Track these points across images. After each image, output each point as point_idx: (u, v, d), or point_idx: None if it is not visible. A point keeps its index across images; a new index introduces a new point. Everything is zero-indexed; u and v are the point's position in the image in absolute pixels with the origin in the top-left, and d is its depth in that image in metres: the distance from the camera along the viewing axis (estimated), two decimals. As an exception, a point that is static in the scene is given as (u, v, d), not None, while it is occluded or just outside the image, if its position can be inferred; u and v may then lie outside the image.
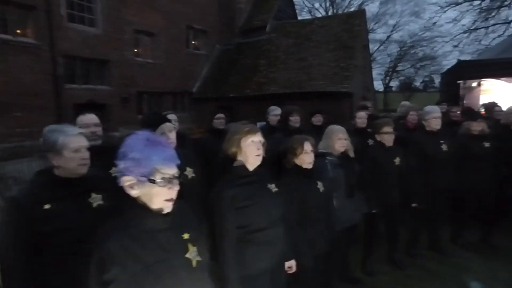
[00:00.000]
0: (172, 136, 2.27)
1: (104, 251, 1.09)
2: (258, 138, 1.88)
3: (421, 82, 30.79)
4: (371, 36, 21.97)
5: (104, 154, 1.79)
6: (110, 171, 1.96)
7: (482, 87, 6.73)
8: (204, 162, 3.21)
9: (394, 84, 31.67)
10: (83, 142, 1.64)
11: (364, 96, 12.57)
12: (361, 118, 3.98)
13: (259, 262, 1.81)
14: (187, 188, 2.24)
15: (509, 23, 15.82)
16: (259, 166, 1.92)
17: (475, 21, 16.32)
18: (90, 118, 2.34)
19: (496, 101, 5.09)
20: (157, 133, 2.16)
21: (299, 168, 2.33)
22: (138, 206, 1.17)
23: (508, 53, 5.63)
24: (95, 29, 9.13)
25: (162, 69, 11.04)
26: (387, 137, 3.16)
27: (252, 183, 1.85)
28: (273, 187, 1.95)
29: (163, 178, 1.15)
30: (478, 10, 16.07)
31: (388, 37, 26.10)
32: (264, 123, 4.19)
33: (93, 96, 9.08)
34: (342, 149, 2.81)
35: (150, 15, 10.46)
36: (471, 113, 4.02)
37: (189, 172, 2.41)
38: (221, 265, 1.73)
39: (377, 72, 26.48)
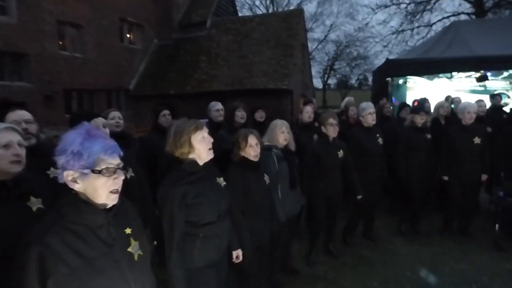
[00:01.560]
0: (106, 132, 2.13)
1: (43, 245, 1.06)
2: (206, 132, 1.86)
3: (356, 80, 32.85)
4: (309, 35, 22.78)
5: (41, 154, 1.75)
6: (48, 172, 1.86)
7: (408, 84, 7.32)
8: (149, 161, 3.10)
9: (332, 82, 33.38)
10: (14, 137, 1.51)
11: (304, 93, 12.97)
12: (308, 112, 4.01)
13: (207, 254, 1.82)
14: (126, 188, 2.13)
15: (431, 25, 17.51)
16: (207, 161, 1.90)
17: (402, 23, 17.80)
18: (20, 114, 2.13)
19: (426, 97, 5.51)
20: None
21: (246, 160, 2.37)
22: (80, 201, 1.15)
23: (429, 53, 6.13)
24: (8, 18, 8.04)
25: (93, 64, 10.15)
26: (332, 129, 3.25)
27: (202, 178, 1.84)
28: (221, 181, 1.98)
29: (107, 169, 1.14)
30: (405, 13, 17.53)
31: (326, 36, 27.36)
32: (207, 120, 4.05)
33: (7, 93, 8.00)
34: (285, 142, 2.91)
35: (75, 5, 9.51)
36: (414, 108, 4.31)
37: (129, 172, 2.34)
38: (167, 261, 1.73)
39: (316, 70, 27.67)
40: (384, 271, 3.35)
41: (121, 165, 1.19)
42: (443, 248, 3.77)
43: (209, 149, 1.85)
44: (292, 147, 3.01)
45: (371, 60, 25.26)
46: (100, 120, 2.28)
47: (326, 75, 29.80)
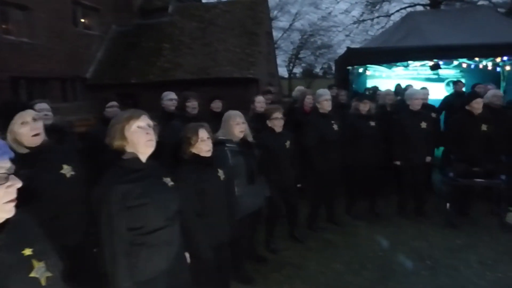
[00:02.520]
0: (38, 125, 1.90)
1: None
2: (144, 122, 1.64)
3: (321, 69, 33.39)
4: (274, 23, 22.74)
5: None
6: None
7: (368, 73, 7.56)
8: (95, 157, 2.84)
9: (297, 70, 33.67)
10: (27, 115, 1.81)
11: (270, 82, 13.00)
12: (260, 102, 3.97)
13: (155, 265, 1.62)
14: (66, 189, 1.97)
15: (389, 16, 18.17)
16: (152, 159, 1.71)
17: (363, 13, 18.34)
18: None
19: (378, 86, 5.74)
20: (17, 122, 1.82)
21: (197, 157, 2.20)
22: None
23: (387, 42, 6.37)
24: None
25: (43, 50, 9.42)
26: (277, 123, 3.25)
27: (146, 177, 1.63)
28: (169, 181, 1.77)
29: None
30: (365, 3, 18.03)
31: (290, 25, 27.40)
32: None
33: None
34: (241, 134, 2.76)
35: (21, -15, 8.74)
36: (359, 95, 4.44)
37: (67, 170, 2.06)
38: (110, 275, 1.51)
39: (281, 59, 27.69)
40: (347, 252, 3.49)
41: (12, 170, 0.99)
42: (400, 228, 4.00)
43: (148, 140, 1.62)
44: (250, 138, 2.85)
45: (335, 49, 25.67)
46: (28, 114, 1.90)
47: (291, 64, 30.03)
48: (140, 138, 1.61)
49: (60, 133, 2.73)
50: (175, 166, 2.20)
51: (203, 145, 2.17)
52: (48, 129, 2.16)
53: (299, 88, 5.35)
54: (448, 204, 4.05)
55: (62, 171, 2.02)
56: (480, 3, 16.14)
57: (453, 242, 3.62)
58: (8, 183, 0.96)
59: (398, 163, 4.11)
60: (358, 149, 3.99)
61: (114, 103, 3.33)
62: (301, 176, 3.55)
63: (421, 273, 3.07)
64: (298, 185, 3.54)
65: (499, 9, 15.67)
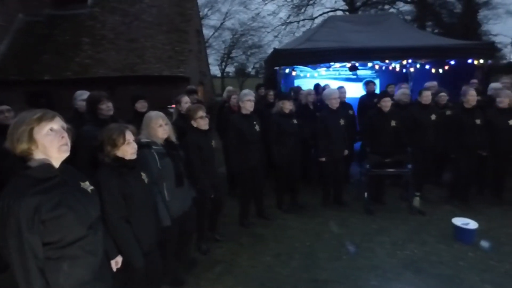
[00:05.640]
0: None
1: None
2: (57, 124, 1.48)
3: (253, 68, 33.99)
4: (205, 22, 22.54)
5: None
6: None
7: (295, 73, 7.91)
8: None
9: (230, 69, 33.80)
10: None
11: (202, 81, 12.83)
12: (186, 102, 3.89)
13: (76, 277, 1.49)
14: None
15: (313, 19, 19.30)
16: (66, 163, 1.54)
17: (290, 15, 19.18)
18: None
19: (301, 85, 6.05)
20: None
21: (121, 160, 2.09)
22: None
23: (310, 44, 6.71)
24: None
25: None
26: (202, 122, 3.22)
27: (61, 185, 1.46)
28: (88, 186, 1.63)
29: None
30: (291, 6, 18.88)
31: (221, 24, 27.37)
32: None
33: None
34: (165, 136, 2.67)
35: None
36: (283, 95, 4.64)
37: None
38: None
39: (213, 58, 27.55)
40: (276, 245, 3.62)
41: None
42: (325, 218, 4.28)
43: (62, 145, 1.47)
44: (173, 138, 2.77)
45: (265, 49, 26.39)
46: None
47: (224, 63, 30.02)
48: (53, 142, 1.44)
49: None
50: (93, 170, 2.07)
51: (128, 148, 2.09)
52: None
53: (228, 89, 5.41)
54: (365, 193, 4.46)
55: None
56: (390, 10, 18.07)
57: (370, 227, 3.99)
58: None
59: (323, 159, 4.38)
60: (282, 146, 4.18)
61: (5, 107, 3.05)
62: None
63: (343, 258, 3.33)
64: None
65: (406, 17, 17.76)
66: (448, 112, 4.83)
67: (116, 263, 2.01)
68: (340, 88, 5.32)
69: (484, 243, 3.41)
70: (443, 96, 5.07)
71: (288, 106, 4.24)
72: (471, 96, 4.31)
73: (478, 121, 4.29)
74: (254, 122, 3.89)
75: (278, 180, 4.53)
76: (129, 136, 2.10)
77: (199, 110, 3.21)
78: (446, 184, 4.92)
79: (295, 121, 4.29)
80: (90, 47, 10.34)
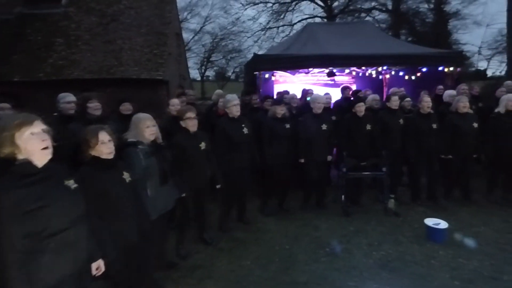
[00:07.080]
0: None
1: None
2: (38, 128, 1.59)
3: (233, 72, 34.03)
4: (185, 25, 22.41)
5: None
6: None
7: (274, 78, 8.00)
8: None
9: (210, 73, 33.70)
10: None
11: (181, 84, 12.71)
12: (175, 105, 3.99)
13: (58, 270, 1.58)
14: None
15: (292, 25, 19.60)
16: (51, 161, 1.63)
17: (269, 21, 19.40)
18: None
19: (287, 90, 6.14)
20: None
21: (98, 159, 2.19)
22: None
23: (289, 50, 6.84)
24: None
25: None
26: (191, 123, 3.26)
27: (43, 180, 1.59)
28: (71, 184, 1.75)
29: None
30: (271, 11, 19.11)
31: (201, 28, 27.28)
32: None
33: None
34: (152, 137, 2.78)
35: None
36: (275, 100, 4.71)
37: None
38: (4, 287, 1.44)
39: (193, 61, 27.41)
40: (256, 249, 3.63)
41: None
42: (305, 220, 4.34)
43: (44, 148, 1.58)
44: (159, 140, 2.89)
45: (245, 54, 26.54)
46: None
47: (203, 67, 29.89)
48: (34, 146, 1.55)
49: None
50: (76, 168, 2.13)
51: (103, 148, 2.17)
52: None
53: (217, 92, 5.45)
54: (343, 196, 4.56)
55: None
56: (367, 18, 18.64)
57: (348, 229, 4.08)
58: None
59: (302, 161, 4.44)
60: (274, 149, 4.24)
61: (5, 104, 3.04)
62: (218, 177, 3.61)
63: (321, 260, 3.39)
64: (218, 186, 3.58)
65: (381, 25, 18.36)
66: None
67: (98, 268, 1.97)
68: (326, 94, 5.42)
69: (468, 241, 3.63)
70: (407, 102, 5.36)
71: (279, 110, 4.30)
72: (425, 102, 4.55)
73: (434, 126, 4.52)
74: (243, 125, 3.90)
75: (266, 184, 4.55)
76: (104, 136, 2.17)
77: (189, 111, 3.27)
78: (405, 186, 5.08)
79: (287, 126, 4.34)
80: (64, 48, 10.02)
